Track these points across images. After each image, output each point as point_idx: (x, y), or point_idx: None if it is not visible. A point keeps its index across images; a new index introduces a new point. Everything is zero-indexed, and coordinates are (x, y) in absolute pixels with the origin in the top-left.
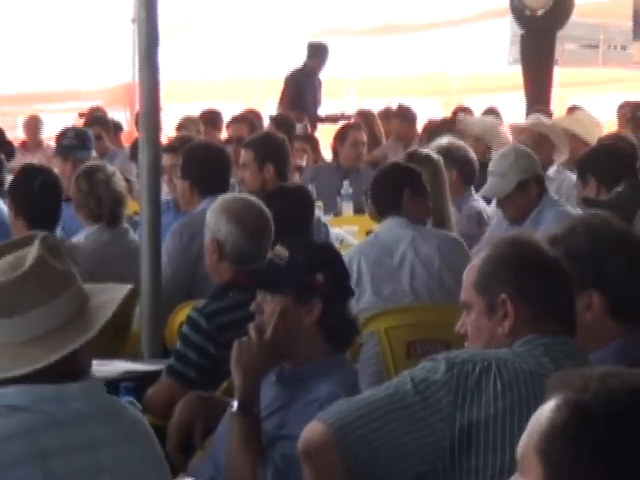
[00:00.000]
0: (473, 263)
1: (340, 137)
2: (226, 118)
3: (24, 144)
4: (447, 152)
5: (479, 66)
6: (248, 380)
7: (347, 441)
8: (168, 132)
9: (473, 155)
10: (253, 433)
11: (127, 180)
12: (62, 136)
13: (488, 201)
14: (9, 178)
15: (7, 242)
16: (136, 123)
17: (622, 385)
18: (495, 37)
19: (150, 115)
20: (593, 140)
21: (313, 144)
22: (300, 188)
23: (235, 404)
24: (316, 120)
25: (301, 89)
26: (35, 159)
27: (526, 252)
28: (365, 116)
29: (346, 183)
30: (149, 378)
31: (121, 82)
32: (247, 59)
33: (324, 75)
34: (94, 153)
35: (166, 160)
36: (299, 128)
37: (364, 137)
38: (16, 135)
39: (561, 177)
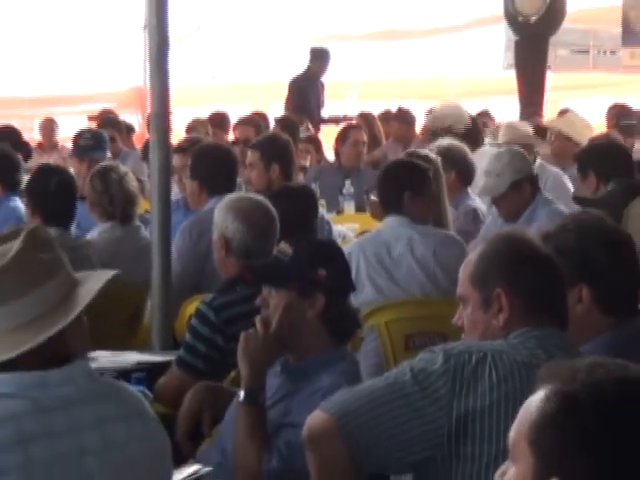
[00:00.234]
0: (469, 258)
1: (341, 138)
2: (233, 120)
3: (40, 145)
4: (447, 153)
5: (475, 70)
6: (254, 370)
7: (349, 428)
8: (178, 134)
9: (472, 157)
10: (259, 421)
11: (139, 180)
12: (79, 137)
13: None
14: (26, 178)
15: None
16: (147, 125)
17: (608, 376)
18: (490, 43)
19: (160, 117)
20: (584, 140)
21: (316, 145)
22: (304, 188)
23: (242, 394)
24: (319, 121)
25: (304, 93)
26: (51, 159)
27: (520, 248)
28: (366, 118)
29: (348, 182)
30: (160, 369)
31: (133, 86)
32: (253, 63)
33: (327, 78)
34: (109, 154)
35: (176, 161)
36: (301, 130)
37: (364, 138)
38: (32, 137)
39: (544, 175)
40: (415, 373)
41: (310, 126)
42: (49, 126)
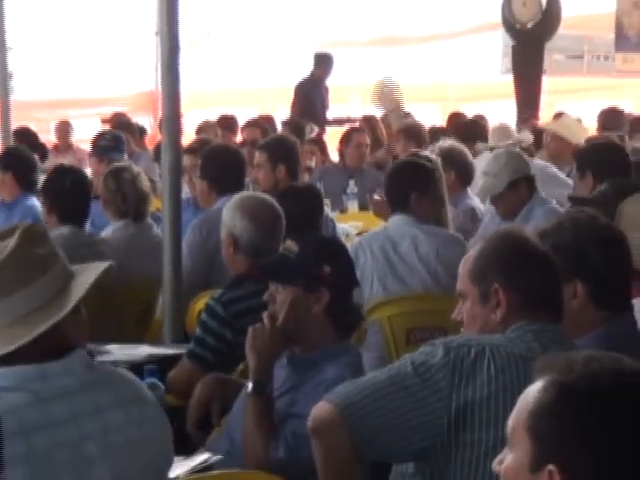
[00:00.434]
0: (468, 255)
1: (345, 140)
2: (241, 123)
3: (56, 147)
4: (448, 153)
5: (474, 75)
6: (262, 363)
7: (353, 419)
8: (189, 136)
9: (471, 158)
10: (266, 412)
11: (151, 180)
12: (100, 138)
13: None
14: (42, 178)
15: None
16: (159, 127)
17: (604, 367)
18: (488, 49)
19: (172, 120)
20: (579, 142)
21: (321, 146)
22: (310, 187)
23: (250, 385)
24: (324, 123)
25: (309, 98)
26: (66, 160)
27: (518, 245)
28: (369, 120)
29: (351, 182)
30: (171, 361)
31: (145, 90)
32: (260, 69)
33: (332, 83)
34: (126, 156)
35: (186, 161)
36: (306, 132)
37: (367, 140)
38: (48, 138)
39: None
40: (416, 366)
41: (315, 128)
42: (64, 128)
